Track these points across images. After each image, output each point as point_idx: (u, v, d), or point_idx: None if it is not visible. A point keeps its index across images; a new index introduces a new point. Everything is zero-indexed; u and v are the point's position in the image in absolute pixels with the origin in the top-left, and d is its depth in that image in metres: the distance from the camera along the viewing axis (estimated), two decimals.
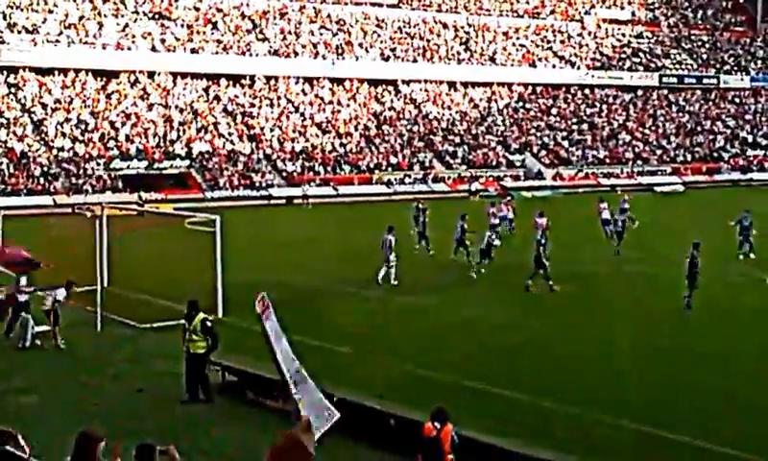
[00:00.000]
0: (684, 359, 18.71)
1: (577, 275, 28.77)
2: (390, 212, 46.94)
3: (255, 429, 14.65)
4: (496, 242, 29.86)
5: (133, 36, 68.81)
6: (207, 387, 16.08)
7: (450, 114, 76.92)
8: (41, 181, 55.88)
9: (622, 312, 23.35)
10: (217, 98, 69.31)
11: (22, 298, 20.56)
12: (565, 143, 77.15)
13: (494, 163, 71.59)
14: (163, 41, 69.66)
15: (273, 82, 72.61)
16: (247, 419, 15.28)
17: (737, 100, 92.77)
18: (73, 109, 62.74)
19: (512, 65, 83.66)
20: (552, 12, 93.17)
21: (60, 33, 66.44)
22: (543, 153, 74.81)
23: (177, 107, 66.53)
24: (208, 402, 15.89)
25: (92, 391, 16.80)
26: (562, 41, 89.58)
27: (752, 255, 32.03)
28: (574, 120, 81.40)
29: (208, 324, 16.04)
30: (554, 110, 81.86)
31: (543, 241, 27.18)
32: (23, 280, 21.14)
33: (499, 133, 76.21)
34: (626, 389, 16.59)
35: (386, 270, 27.55)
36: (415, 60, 79.31)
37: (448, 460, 10.95)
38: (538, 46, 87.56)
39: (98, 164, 58.61)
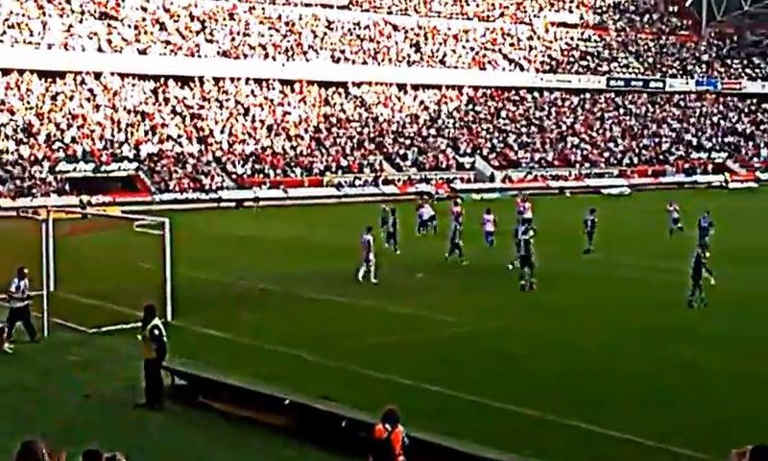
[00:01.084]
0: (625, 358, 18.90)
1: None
2: (341, 214, 47.22)
3: (205, 433, 14.59)
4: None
5: (79, 37, 67.89)
6: (158, 393, 15.84)
7: (400, 117, 77.05)
8: None
9: (569, 309, 23.60)
10: (165, 99, 68.66)
11: None
12: (515, 146, 77.70)
13: (445, 166, 71.88)
14: (110, 42, 68.83)
15: (222, 83, 72.13)
16: (196, 423, 15.16)
17: (682, 103, 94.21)
18: (17, 110, 61.73)
19: (462, 68, 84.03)
20: (502, 14, 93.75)
21: (4, 32, 65.28)
22: (493, 155, 75.26)
23: (124, 108, 65.77)
24: (158, 408, 15.64)
25: (38, 397, 16.54)
26: (511, 44, 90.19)
27: (706, 254, 32.43)
28: (523, 123, 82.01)
29: (156, 332, 15.76)
30: (503, 113, 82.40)
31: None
32: None
33: (449, 135, 76.53)
34: (579, 388, 16.72)
35: (365, 269, 28.15)
36: (365, 63, 79.33)
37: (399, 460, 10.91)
38: (487, 49, 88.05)
39: (43, 167, 57.75)
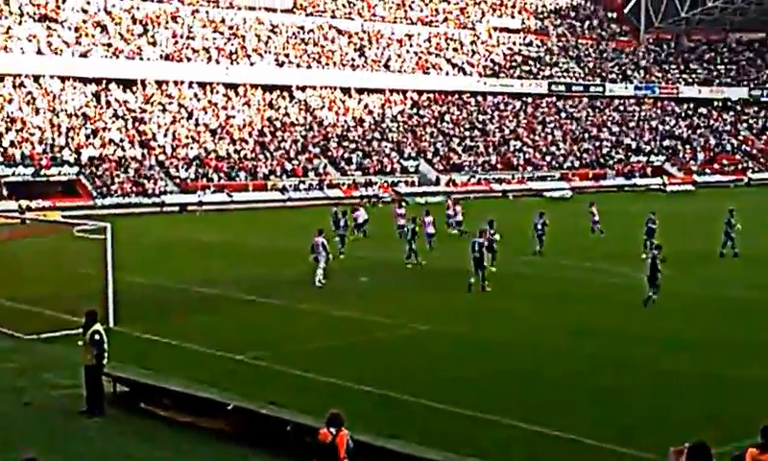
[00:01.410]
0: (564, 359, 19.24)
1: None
2: (285, 218, 47.24)
3: (147, 440, 14.52)
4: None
5: (18, 39, 66.90)
6: (99, 399, 15.70)
7: (345, 121, 77.20)
8: None
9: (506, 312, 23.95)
10: (107, 103, 67.94)
11: None
12: (459, 149, 78.29)
13: (389, 169, 72.16)
14: (50, 44, 67.93)
15: (165, 87, 71.60)
16: (139, 429, 15.08)
17: (622, 108, 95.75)
18: None
19: (406, 72, 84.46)
20: (445, 19, 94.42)
21: None
22: (437, 159, 75.75)
23: (65, 111, 64.95)
24: (99, 415, 15.50)
25: None
26: (454, 49, 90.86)
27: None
28: (467, 127, 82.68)
29: (96, 337, 15.60)
30: (447, 117, 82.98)
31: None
32: None
33: (393, 139, 76.84)
34: (519, 388, 16.99)
35: (318, 270, 28.42)
36: (309, 67, 79.33)
37: None
38: (431, 54, 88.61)
39: None
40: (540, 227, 35.57)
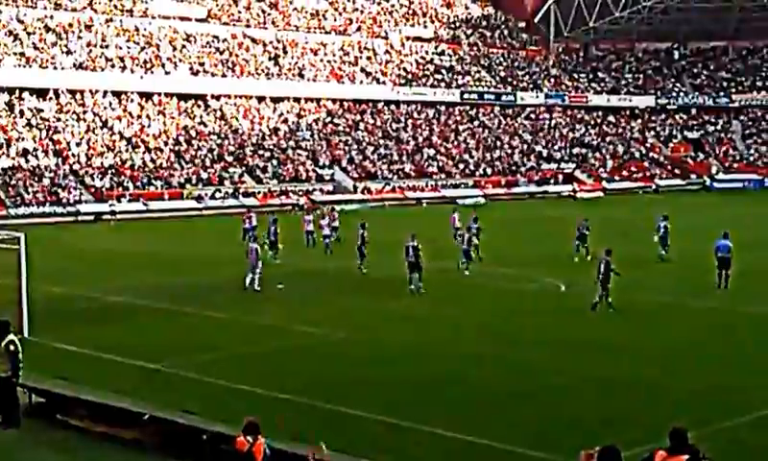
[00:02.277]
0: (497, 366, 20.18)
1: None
2: (202, 227, 47.49)
3: (62, 451, 14.72)
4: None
5: None
6: (15, 411, 15.61)
7: (260, 129, 77.62)
8: None
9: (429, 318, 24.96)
10: (20, 112, 67.26)
11: None
12: (373, 157, 79.30)
13: (304, 178, 72.83)
14: None
15: (79, 96, 71.12)
16: (54, 440, 15.19)
17: (533, 116, 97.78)
18: None
19: (320, 81, 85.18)
20: (358, 29, 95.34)
21: None
22: (352, 167, 76.65)
23: None
24: (15, 427, 15.46)
25: None
26: (368, 58, 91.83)
27: (588, 258, 34.54)
28: (381, 135, 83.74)
29: (11, 347, 15.46)
30: (362, 126, 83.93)
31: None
32: None
33: (308, 147, 77.50)
34: (438, 395, 17.50)
35: (252, 277, 29.40)
36: (224, 76, 79.53)
37: None
38: (345, 62, 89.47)
39: None
40: (474, 230, 36.40)
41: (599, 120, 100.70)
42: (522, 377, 18.79)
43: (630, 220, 37.74)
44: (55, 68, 70.74)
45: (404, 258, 29.25)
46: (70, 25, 75.34)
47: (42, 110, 68.32)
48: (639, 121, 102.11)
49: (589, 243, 36.11)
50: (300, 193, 69.27)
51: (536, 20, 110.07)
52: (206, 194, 66.03)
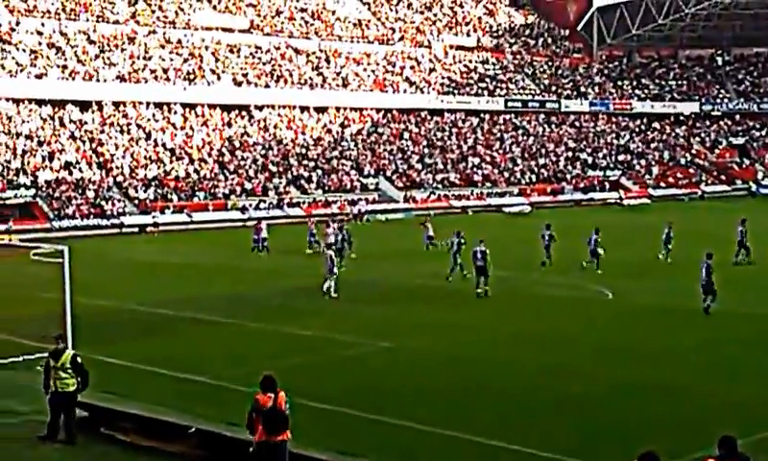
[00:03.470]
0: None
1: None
2: (246, 238, 47.18)
3: None
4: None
5: None
6: (72, 428, 15.37)
7: (304, 139, 77.36)
8: None
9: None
10: (63, 125, 67.54)
11: None
12: (418, 166, 78.73)
13: (349, 187, 72.38)
14: (3, 66, 67.40)
15: (122, 107, 71.32)
16: (99, 455, 15.02)
17: (577, 123, 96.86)
18: None
19: (364, 91, 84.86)
20: (402, 38, 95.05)
21: None
22: (396, 176, 76.12)
23: (20, 134, 64.43)
24: (69, 444, 15.18)
25: None
26: (412, 67, 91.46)
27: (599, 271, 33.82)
28: (425, 144, 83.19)
29: (79, 360, 15.34)
30: (406, 135, 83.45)
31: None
32: None
33: (353, 157, 77.10)
34: (480, 404, 17.18)
35: (329, 283, 29.59)
36: (267, 86, 79.43)
37: (289, 425, 11.88)
38: (388, 72, 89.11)
39: None
40: (546, 238, 36.40)
41: (644, 127, 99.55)
42: (563, 384, 18.38)
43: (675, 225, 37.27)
44: (98, 80, 70.98)
45: (472, 262, 29.49)
46: (113, 37, 75.63)
47: (86, 123, 68.56)
48: (684, 127, 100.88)
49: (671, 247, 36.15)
50: (339, 203, 68.84)
51: (579, 28, 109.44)
52: (251, 205, 65.76)
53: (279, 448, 11.84)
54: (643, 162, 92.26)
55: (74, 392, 15.29)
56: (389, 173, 76.26)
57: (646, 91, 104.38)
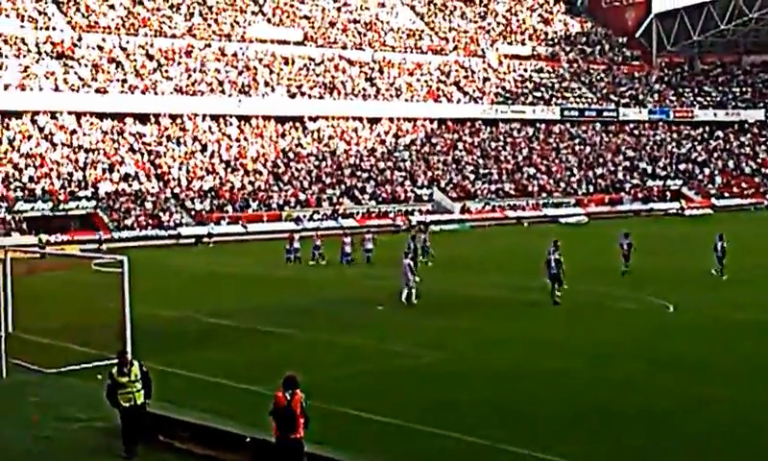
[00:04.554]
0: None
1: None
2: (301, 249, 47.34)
3: None
4: None
5: (36, 76, 67.66)
6: (138, 441, 15.27)
7: (358, 150, 77.53)
8: None
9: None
10: (123, 137, 68.53)
11: None
12: (472, 176, 78.41)
13: (403, 198, 72.33)
14: (66, 81, 68.65)
15: (179, 120, 72.18)
16: None
17: (636, 132, 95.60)
18: None
19: (417, 101, 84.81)
20: (455, 48, 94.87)
21: None
22: (450, 187, 75.88)
23: (82, 147, 65.55)
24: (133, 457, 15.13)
25: None
26: (465, 77, 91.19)
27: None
28: (479, 154, 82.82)
29: (144, 370, 15.27)
30: (460, 145, 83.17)
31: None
32: None
33: (406, 167, 77.05)
34: (535, 419, 16.99)
35: (407, 291, 29.80)
36: (321, 97, 79.81)
37: (301, 423, 12.15)
38: (442, 82, 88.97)
39: (1, 207, 57.32)
40: (625, 246, 36.32)
41: (706, 135, 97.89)
42: (619, 397, 17.97)
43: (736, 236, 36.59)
44: (156, 94, 71.93)
45: (545, 270, 29.47)
46: (170, 51, 76.61)
47: (144, 135, 69.52)
48: (749, 135, 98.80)
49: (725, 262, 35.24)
50: (393, 214, 68.85)
51: (637, 35, 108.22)
52: (305, 216, 66.03)
53: (293, 445, 12.24)
54: (706, 172, 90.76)
55: (143, 404, 15.20)
56: (443, 183, 76.05)
57: (708, 99, 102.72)
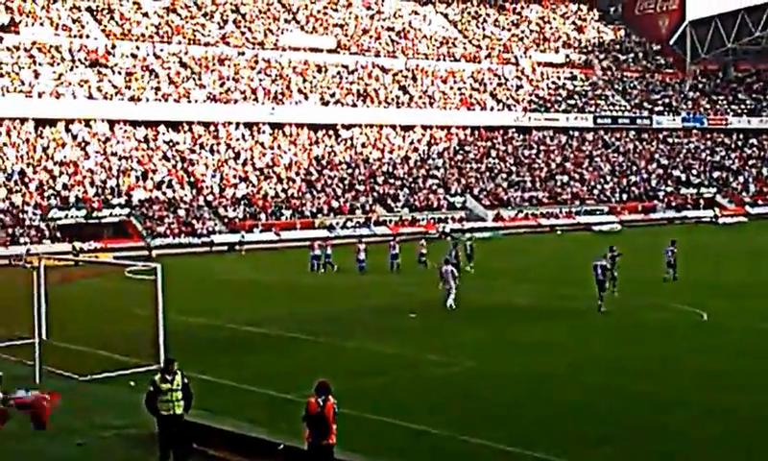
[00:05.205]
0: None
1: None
2: (334, 256, 47.28)
3: None
4: None
5: (70, 84, 68.24)
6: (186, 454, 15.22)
7: (391, 158, 77.46)
8: None
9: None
10: (156, 145, 68.93)
11: None
12: (505, 184, 78.10)
13: (435, 206, 72.15)
14: (100, 89, 69.18)
15: (212, 128, 72.49)
16: None
17: (670, 140, 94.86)
18: (8, 158, 61.87)
19: (450, 109, 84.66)
20: (488, 55, 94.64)
21: None
22: (483, 195, 75.60)
23: (115, 154, 66.00)
24: None
25: (29, 447, 16.45)
26: (499, 84, 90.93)
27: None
28: (513, 161, 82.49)
29: (186, 381, 15.11)
30: (493, 153, 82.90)
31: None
32: None
33: (439, 175, 76.89)
34: (567, 427, 16.78)
35: (450, 296, 30.31)
36: (354, 105, 79.84)
37: (333, 430, 12.31)
38: (475, 89, 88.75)
39: (35, 214, 57.79)
40: (670, 255, 36.36)
41: (740, 143, 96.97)
42: (648, 409, 17.67)
43: None
44: (189, 102, 72.29)
45: (593, 276, 29.51)
46: (203, 59, 77.00)
47: (177, 143, 69.86)
48: None
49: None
50: (425, 221, 68.69)
51: (671, 42, 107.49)
52: (338, 223, 66.02)
53: (325, 451, 12.39)
54: (740, 179, 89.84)
55: (181, 415, 14.96)
56: (476, 191, 75.80)
57: (743, 106, 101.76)
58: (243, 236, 60.91)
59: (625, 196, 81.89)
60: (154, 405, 14.82)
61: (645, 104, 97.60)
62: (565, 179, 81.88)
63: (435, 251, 45.01)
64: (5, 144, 63.14)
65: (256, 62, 79.52)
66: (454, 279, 30.64)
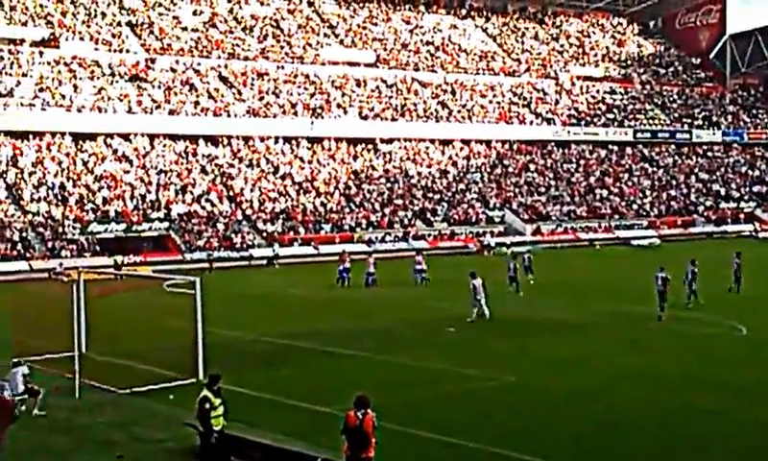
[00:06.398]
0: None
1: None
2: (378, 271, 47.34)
3: None
4: None
5: (110, 99, 68.95)
6: None
7: (429, 172, 77.38)
8: (18, 246, 55.44)
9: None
10: (196, 159, 69.39)
11: None
12: (543, 198, 77.70)
13: (474, 220, 71.92)
14: (140, 103, 69.83)
15: (251, 142, 72.85)
16: None
17: (710, 154, 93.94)
18: (48, 172, 62.57)
19: (489, 123, 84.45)
20: (527, 69, 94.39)
21: (35, 96, 66.43)
22: (522, 209, 75.26)
23: (155, 168, 66.52)
24: None
25: (70, 459, 16.54)
26: (538, 98, 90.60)
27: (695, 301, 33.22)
28: (551, 176, 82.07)
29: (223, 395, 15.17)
30: (532, 167, 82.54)
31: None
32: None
33: (478, 189, 76.67)
34: (611, 442, 16.56)
35: (478, 309, 30.60)
36: (393, 119, 79.89)
37: (372, 444, 12.30)
38: (514, 103, 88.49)
39: (75, 228, 58.34)
40: (735, 266, 36.44)
41: None
42: (690, 424, 17.67)
43: None
44: (228, 116, 72.73)
45: (655, 285, 29.81)
46: (243, 73, 77.48)
47: (216, 157, 70.27)
48: None
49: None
50: (463, 236, 68.42)
51: (711, 56, 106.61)
52: (377, 237, 65.99)
53: None
54: None
55: (223, 428, 14.95)
56: (515, 205, 75.48)
57: None
58: (275, 251, 60.89)
59: (664, 210, 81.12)
60: (209, 422, 14.69)
61: (685, 118, 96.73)
62: (604, 193, 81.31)
63: (466, 265, 44.74)
64: (45, 158, 63.87)
65: (295, 77, 79.86)
66: (477, 294, 30.59)
